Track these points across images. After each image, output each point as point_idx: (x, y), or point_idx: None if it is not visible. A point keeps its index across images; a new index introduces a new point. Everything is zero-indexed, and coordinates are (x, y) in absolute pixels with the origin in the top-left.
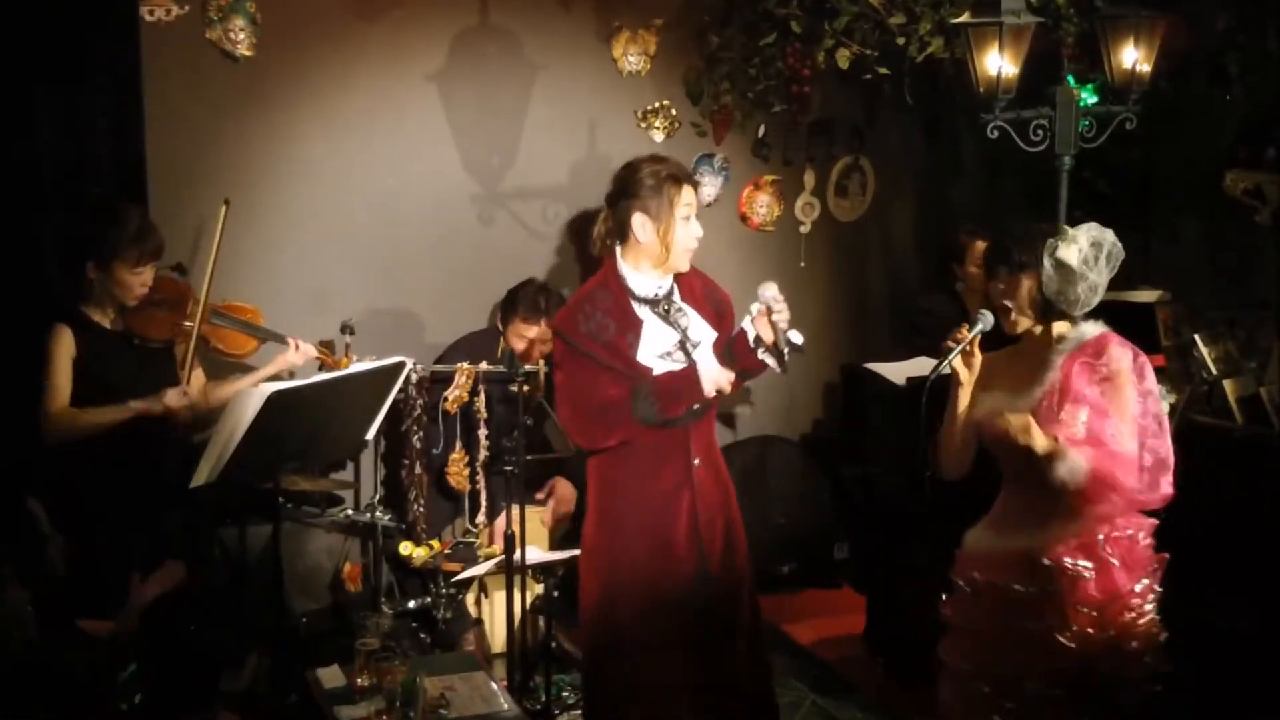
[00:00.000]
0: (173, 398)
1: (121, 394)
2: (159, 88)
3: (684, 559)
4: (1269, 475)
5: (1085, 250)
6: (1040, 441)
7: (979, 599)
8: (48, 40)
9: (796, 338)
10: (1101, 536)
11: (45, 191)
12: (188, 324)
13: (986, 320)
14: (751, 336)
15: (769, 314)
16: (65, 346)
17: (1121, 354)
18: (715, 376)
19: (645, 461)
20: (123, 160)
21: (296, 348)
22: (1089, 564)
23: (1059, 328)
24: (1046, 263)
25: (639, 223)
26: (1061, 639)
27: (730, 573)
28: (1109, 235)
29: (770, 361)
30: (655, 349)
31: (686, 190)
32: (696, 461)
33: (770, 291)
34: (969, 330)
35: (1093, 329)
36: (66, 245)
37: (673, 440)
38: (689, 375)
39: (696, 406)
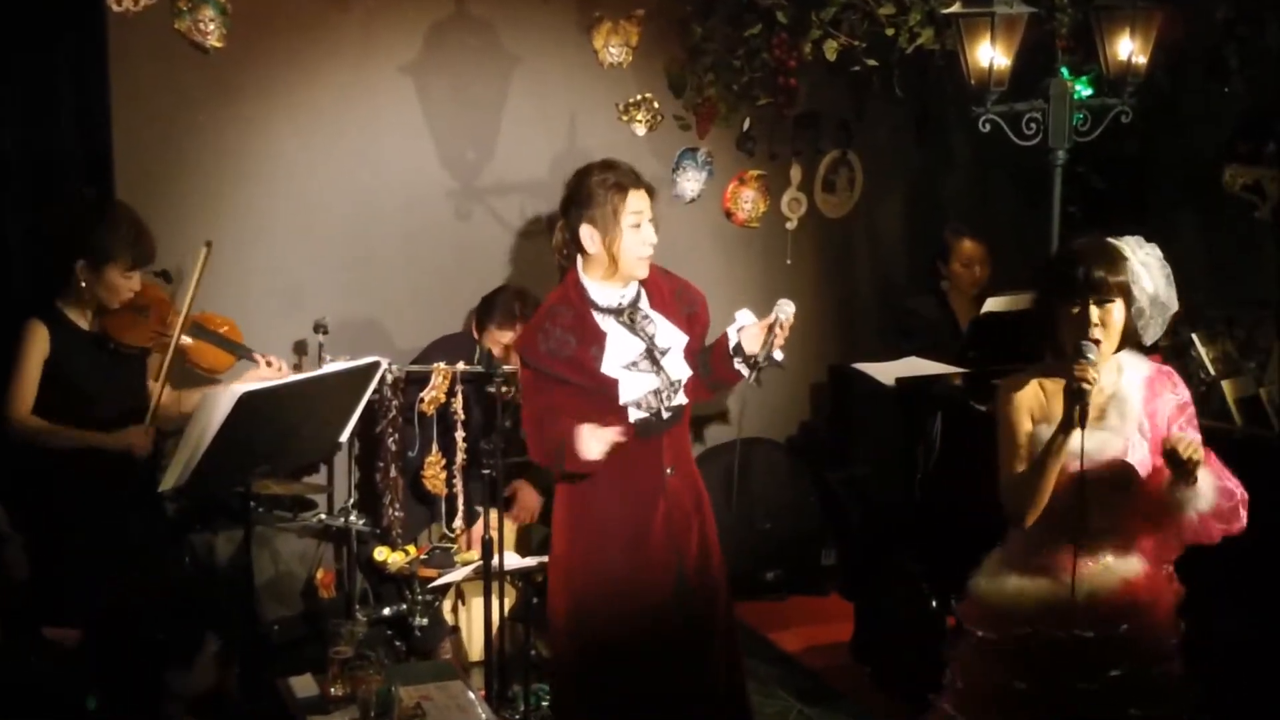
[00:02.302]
0: (136, 437)
1: (89, 398)
2: (126, 80)
3: (659, 568)
4: (1269, 478)
5: (1155, 271)
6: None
7: (1022, 654)
8: (11, 31)
9: (778, 355)
10: (1165, 571)
11: (10, 185)
12: (168, 334)
13: (1095, 352)
14: (732, 344)
15: (772, 330)
16: (39, 345)
17: (1181, 387)
18: (597, 441)
19: (617, 471)
20: (89, 153)
21: (270, 365)
22: (1153, 599)
23: (1118, 357)
24: (1135, 290)
25: (586, 234)
26: (1128, 683)
27: (705, 581)
28: (1157, 251)
29: (744, 372)
30: (621, 359)
31: (634, 197)
32: (669, 470)
33: (790, 309)
34: (1090, 367)
35: (1144, 359)
36: (37, 241)
37: (646, 449)
38: (575, 442)
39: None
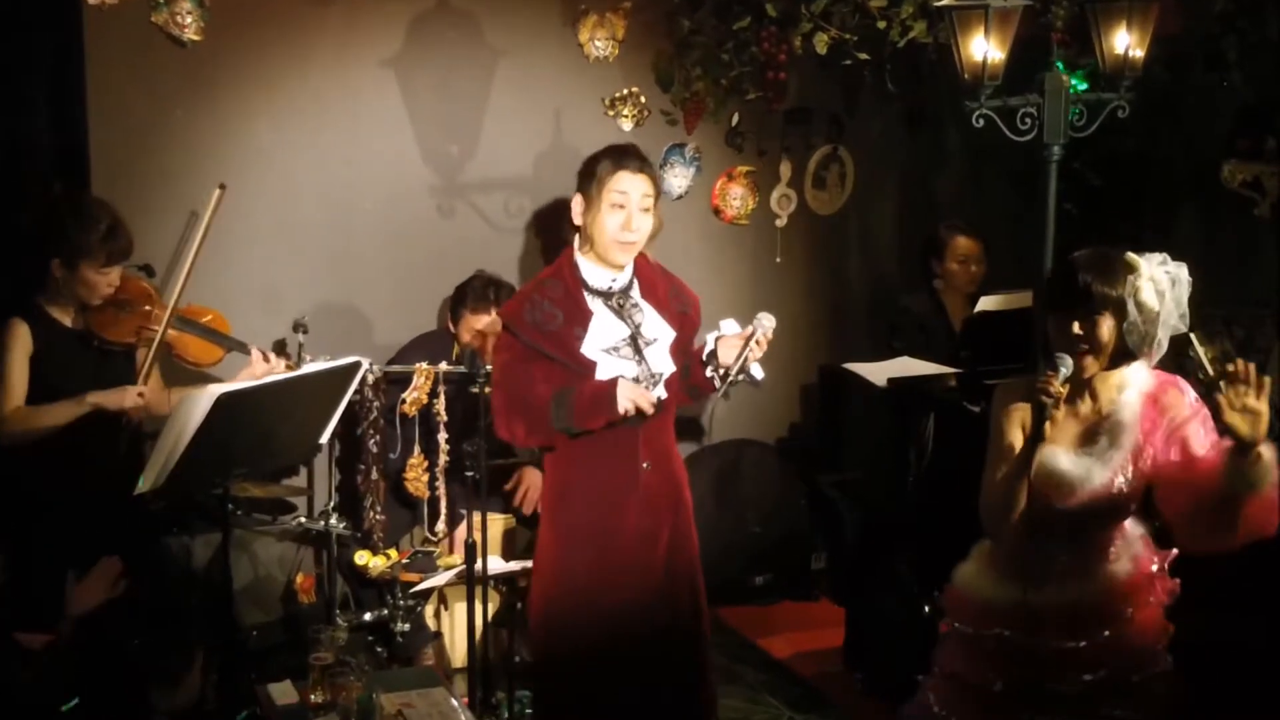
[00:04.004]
0: (129, 398)
1: (74, 396)
2: (102, 74)
3: (626, 567)
4: None
5: (1164, 288)
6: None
7: (997, 653)
8: None
9: (758, 373)
10: (1154, 570)
11: None
12: (153, 328)
13: (1069, 365)
14: (707, 352)
15: (747, 342)
16: (21, 342)
17: (1192, 397)
18: (633, 395)
19: (592, 463)
20: (64, 149)
21: (266, 359)
22: (1137, 604)
23: (1117, 374)
24: (1130, 305)
25: (575, 203)
26: (1107, 686)
27: (674, 587)
28: (1183, 271)
29: (715, 383)
30: (602, 343)
31: (622, 176)
32: (646, 465)
33: (770, 324)
34: (1056, 379)
35: (1146, 371)
36: (13, 237)
37: (622, 442)
38: (607, 390)
39: (616, 422)
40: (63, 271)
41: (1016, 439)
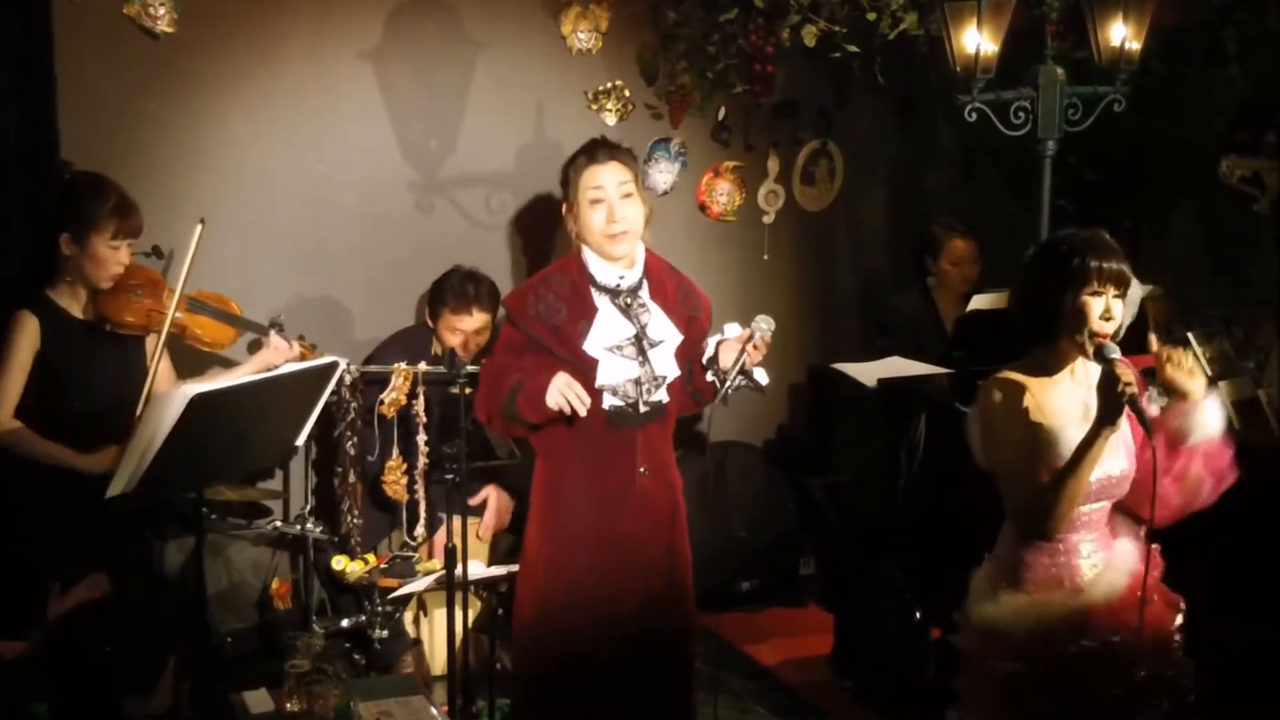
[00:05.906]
0: (108, 458)
1: (84, 387)
2: (73, 66)
3: (620, 572)
4: (1269, 483)
5: None
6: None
7: (1049, 675)
8: None
9: (762, 377)
10: (1154, 550)
11: None
12: (164, 313)
13: (1118, 351)
14: (707, 356)
15: (748, 343)
16: (28, 339)
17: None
18: (565, 392)
19: (589, 465)
20: (34, 143)
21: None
22: (1153, 586)
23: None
24: (1132, 290)
25: (565, 210)
26: (1154, 681)
27: (668, 596)
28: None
29: (716, 386)
30: (606, 340)
31: (592, 170)
32: (643, 470)
33: (767, 327)
34: (1128, 368)
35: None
36: (9, 229)
37: (620, 445)
38: (542, 387)
39: (554, 419)
40: (72, 248)
41: (1033, 426)
